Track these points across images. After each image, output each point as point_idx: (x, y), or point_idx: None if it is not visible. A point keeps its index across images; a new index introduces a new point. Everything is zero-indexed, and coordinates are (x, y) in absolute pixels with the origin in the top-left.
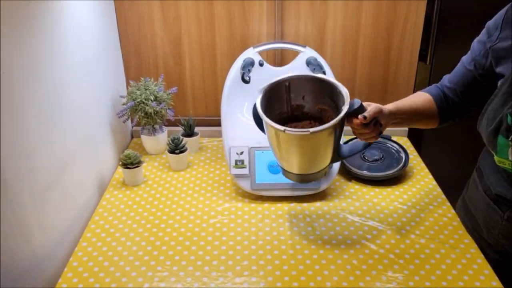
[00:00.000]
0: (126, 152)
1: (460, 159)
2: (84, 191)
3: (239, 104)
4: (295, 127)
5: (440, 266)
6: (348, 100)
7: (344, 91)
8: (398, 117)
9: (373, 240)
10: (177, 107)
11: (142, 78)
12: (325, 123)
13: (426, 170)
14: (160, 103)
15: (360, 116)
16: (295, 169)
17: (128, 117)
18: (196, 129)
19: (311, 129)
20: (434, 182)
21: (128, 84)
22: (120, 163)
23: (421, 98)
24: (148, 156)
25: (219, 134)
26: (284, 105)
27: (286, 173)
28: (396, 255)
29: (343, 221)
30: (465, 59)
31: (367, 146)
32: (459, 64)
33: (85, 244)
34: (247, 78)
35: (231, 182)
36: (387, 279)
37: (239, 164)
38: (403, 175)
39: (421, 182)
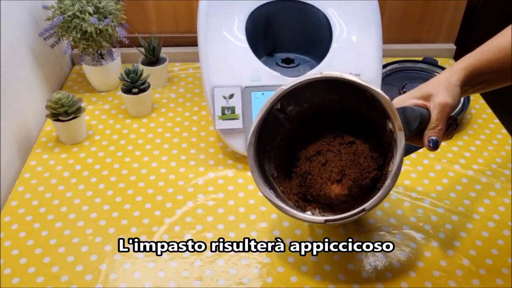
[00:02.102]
0: (57, 95)
1: None
2: None
3: (225, 16)
4: (315, 154)
5: None
6: (398, 118)
7: (384, 98)
8: (478, 82)
9: (435, 233)
10: (133, 22)
11: None
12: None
13: (489, 110)
14: (105, 17)
15: (427, 146)
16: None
17: (59, 39)
18: (163, 51)
19: (366, 206)
20: (504, 130)
21: None
22: (48, 112)
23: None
24: (95, 95)
25: (196, 57)
26: (284, 123)
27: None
28: (473, 261)
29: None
30: None
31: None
32: None
33: None
34: None
35: (216, 137)
36: None
37: (228, 113)
38: (459, 119)
39: (485, 130)
